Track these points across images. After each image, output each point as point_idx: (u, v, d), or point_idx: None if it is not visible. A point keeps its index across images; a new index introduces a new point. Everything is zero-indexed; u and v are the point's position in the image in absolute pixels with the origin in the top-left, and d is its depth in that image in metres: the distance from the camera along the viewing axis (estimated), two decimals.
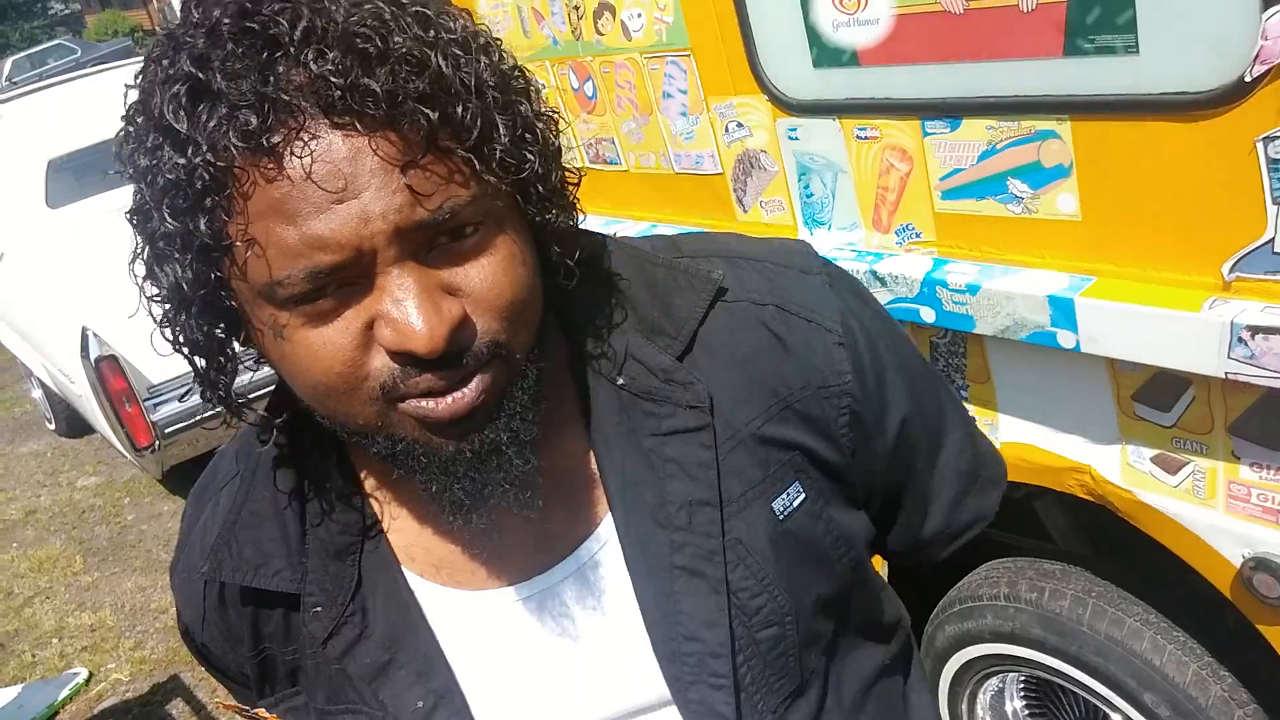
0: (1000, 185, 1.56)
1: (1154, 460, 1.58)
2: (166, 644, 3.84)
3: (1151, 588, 1.84)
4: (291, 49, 0.64)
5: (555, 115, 0.78)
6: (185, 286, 0.68)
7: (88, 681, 3.72)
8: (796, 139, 1.85)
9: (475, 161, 0.67)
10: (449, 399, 0.70)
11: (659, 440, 0.82)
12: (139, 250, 0.71)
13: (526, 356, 0.74)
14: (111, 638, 3.96)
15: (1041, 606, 1.88)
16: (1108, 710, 1.89)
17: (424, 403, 0.70)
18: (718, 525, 0.81)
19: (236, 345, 0.76)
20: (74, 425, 5.90)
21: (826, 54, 1.71)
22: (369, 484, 0.87)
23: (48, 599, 4.38)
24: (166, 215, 0.66)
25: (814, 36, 1.70)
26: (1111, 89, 1.37)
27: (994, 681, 2.12)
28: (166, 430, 4.38)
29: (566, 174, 0.78)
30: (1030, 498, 2.01)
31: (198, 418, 4.43)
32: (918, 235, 1.73)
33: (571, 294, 0.82)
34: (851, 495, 0.89)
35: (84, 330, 4.25)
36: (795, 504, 0.84)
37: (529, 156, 0.72)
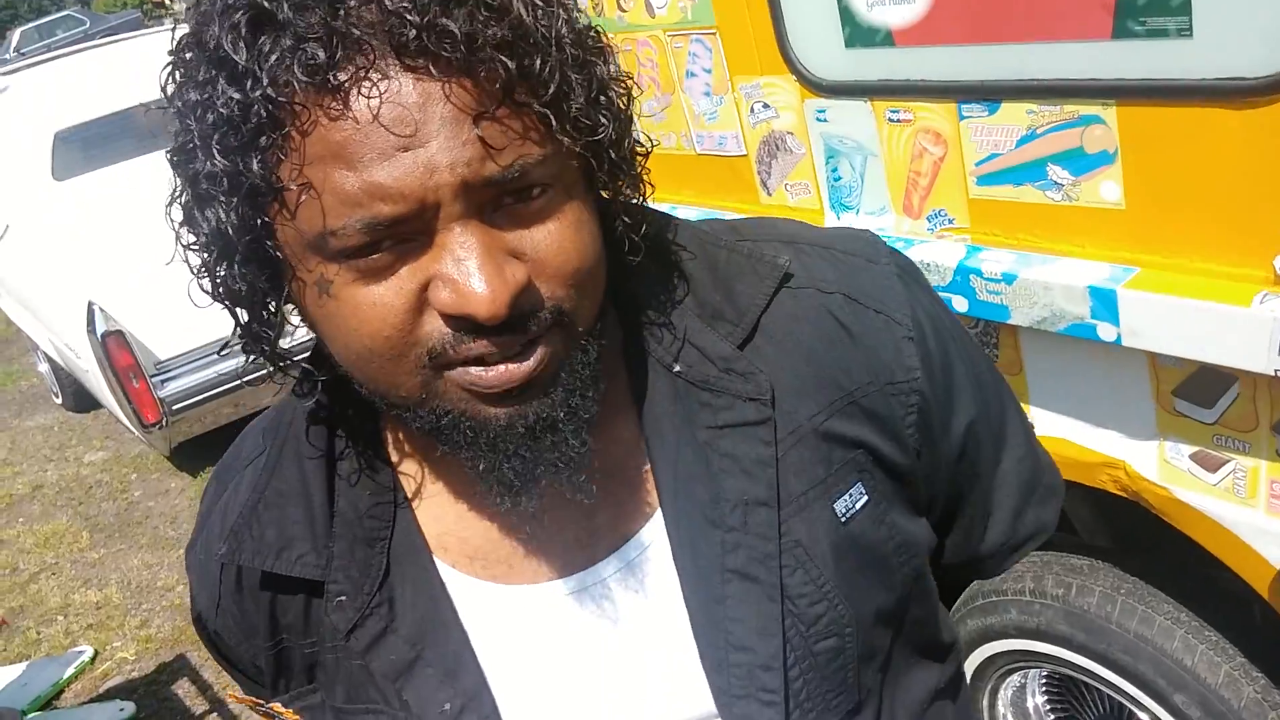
0: (1040, 171, 1.51)
1: (1193, 458, 1.53)
2: (173, 622, 3.82)
3: (1180, 584, 1.79)
4: None
5: (629, 80, 0.73)
6: (230, 231, 0.64)
7: (93, 660, 3.71)
8: (825, 121, 1.79)
9: (551, 119, 0.63)
10: (503, 367, 0.66)
11: (715, 433, 0.77)
12: (177, 193, 0.67)
13: (589, 330, 0.70)
14: (117, 615, 3.95)
15: (1068, 602, 1.84)
16: (1134, 709, 1.85)
17: (475, 370, 0.66)
18: (774, 527, 0.77)
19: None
20: (81, 400, 5.88)
21: (859, 33, 1.66)
22: (404, 464, 0.83)
23: (53, 575, 4.36)
24: (215, 153, 0.62)
25: (846, 15, 1.64)
26: (1161, 73, 1.31)
27: (1015, 678, 2.08)
28: (174, 407, 4.36)
29: (637, 146, 0.74)
30: None
31: (206, 394, 4.41)
32: (950, 221, 1.68)
33: (629, 273, 0.77)
34: (914, 500, 0.84)
35: (90, 305, 4.22)
36: (858, 506, 0.79)
37: (603, 120, 0.68)
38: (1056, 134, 1.46)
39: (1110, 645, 1.79)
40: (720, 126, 2.00)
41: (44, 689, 3.52)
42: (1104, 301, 1.44)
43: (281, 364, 0.75)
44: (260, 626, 0.85)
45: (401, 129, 0.60)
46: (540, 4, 0.64)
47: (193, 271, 0.70)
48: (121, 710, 3.32)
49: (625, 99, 0.72)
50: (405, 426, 0.77)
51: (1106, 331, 1.46)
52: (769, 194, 1.98)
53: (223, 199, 0.64)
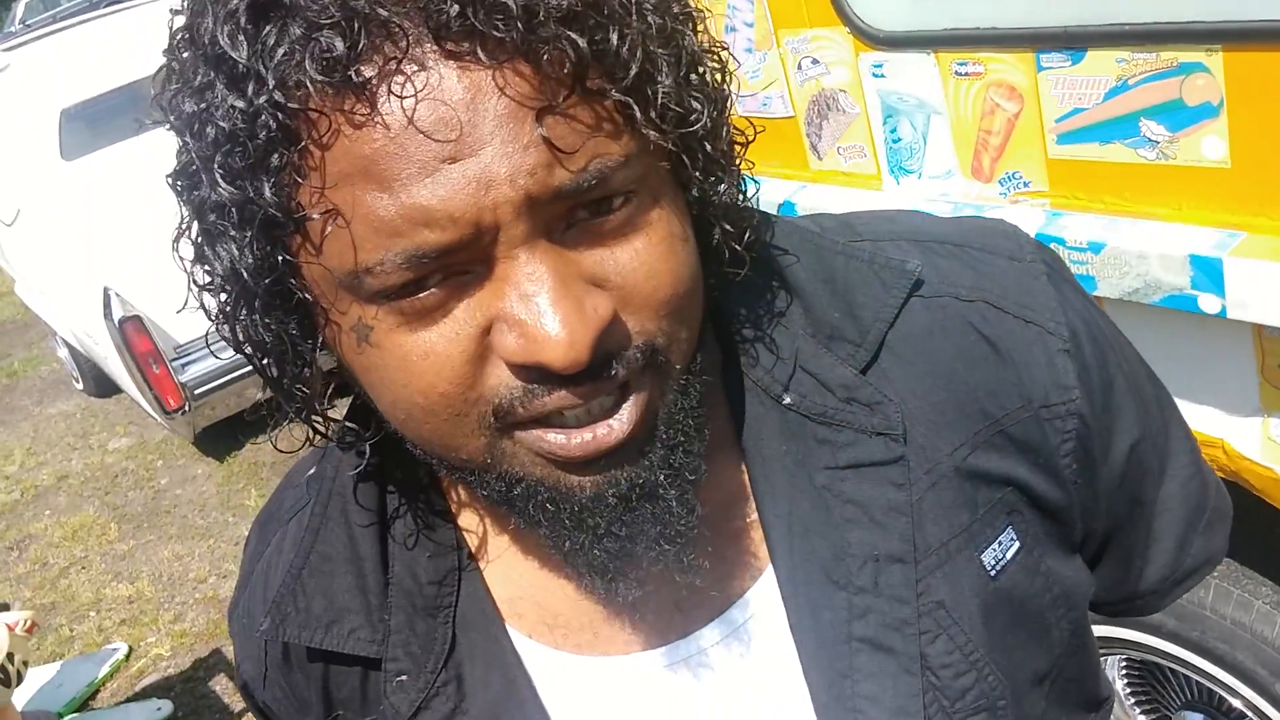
0: (1131, 127, 1.36)
1: None
2: (207, 616, 3.76)
3: (1278, 565, 1.67)
4: None
5: (725, 51, 0.60)
6: (245, 273, 0.53)
7: (128, 657, 3.65)
8: (882, 76, 1.64)
9: (633, 108, 0.51)
10: (589, 434, 0.54)
11: (836, 475, 0.65)
12: (184, 225, 0.56)
13: (687, 367, 0.59)
14: (150, 610, 3.89)
15: None
16: (1225, 695, 1.74)
17: (553, 436, 0.54)
18: (911, 586, 0.64)
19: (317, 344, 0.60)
20: (102, 384, 5.81)
21: None
22: (467, 519, 0.72)
23: (84, 569, 4.31)
24: (219, 178, 0.51)
25: None
26: (1275, 13, 1.16)
27: None
28: (197, 391, 4.27)
29: (735, 132, 0.61)
30: None
31: (229, 377, 4.32)
32: (1026, 185, 1.54)
33: (729, 286, 0.65)
34: (1069, 539, 0.72)
35: (106, 290, 4.12)
36: (1009, 555, 0.67)
37: (696, 105, 0.55)
38: (1151, 85, 1.31)
39: (1205, 633, 1.67)
40: (764, 86, 1.85)
41: (79, 690, 3.47)
42: (1207, 271, 1.31)
43: (321, 430, 0.64)
44: (313, 702, 0.74)
45: (446, 134, 0.48)
46: None
47: (209, 317, 0.58)
48: (159, 710, 3.27)
49: (721, 74, 0.59)
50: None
51: (1209, 303, 1.33)
52: (819, 159, 1.84)
53: (234, 233, 0.52)
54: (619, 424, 0.54)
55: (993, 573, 0.66)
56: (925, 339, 0.67)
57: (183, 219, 0.56)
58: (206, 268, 0.56)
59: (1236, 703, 1.72)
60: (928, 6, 1.52)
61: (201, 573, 4.04)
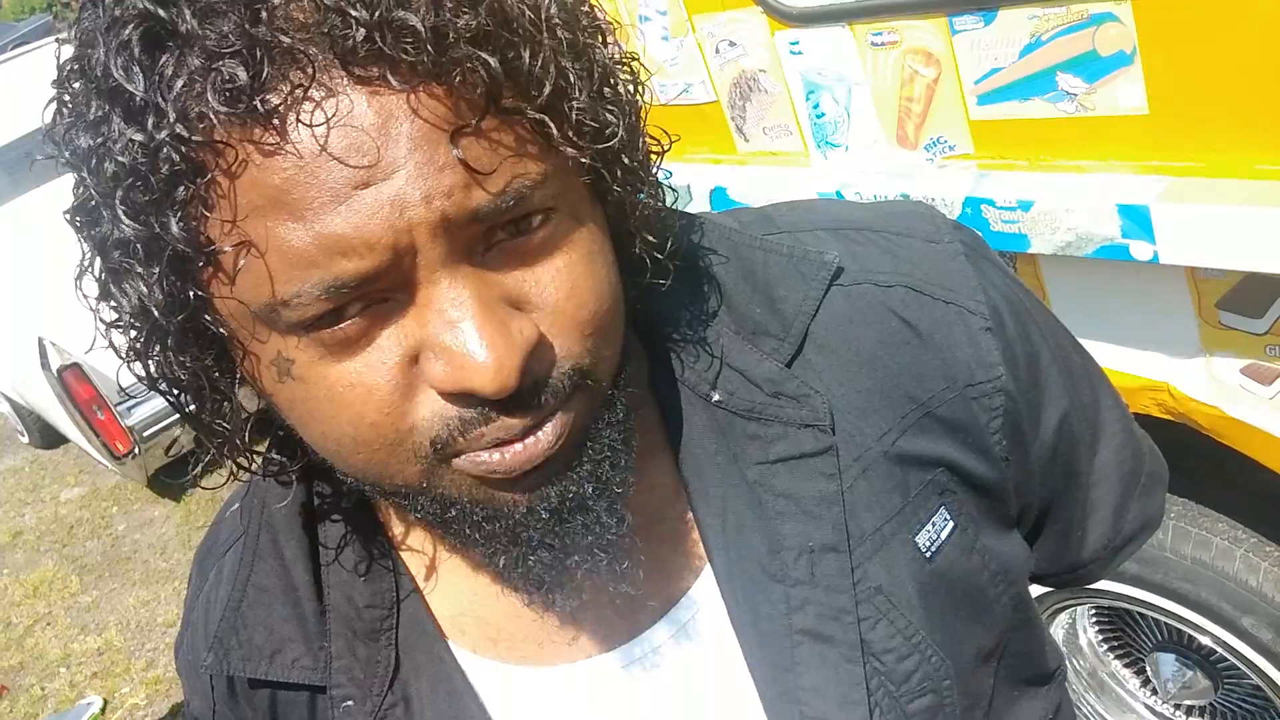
0: (1048, 82, 1.36)
1: (1244, 371, 1.42)
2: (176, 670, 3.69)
3: (1233, 501, 1.69)
4: None
5: (636, 62, 0.59)
6: (155, 310, 0.51)
7: (103, 710, 3.57)
8: (800, 53, 1.63)
9: (549, 125, 0.50)
10: (519, 446, 0.53)
11: (767, 470, 0.65)
12: (87, 263, 0.54)
13: (613, 381, 0.58)
14: (121, 659, 3.80)
15: None
16: (1194, 634, 1.76)
17: (485, 455, 0.53)
18: (847, 575, 0.64)
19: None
20: (48, 436, 5.67)
21: None
22: (402, 540, 0.71)
23: (49, 625, 4.20)
24: (122, 214, 0.48)
25: None
26: None
27: (1064, 617, 1.99)
28: (145, 433, 4.17)
29: (652, 141, 0.61)
30: None
31: (177, 415, 4.22)
32: (951, 148, 1.54)
33: (650, 290, 0.64)
34: (1004, 515, 0.72)
35: (40, 340, 4.01)
36: (943, 536, 0.67)
37: (611, 118, 0.55)
38: (1065, 38, 1.32)
39: (1167, 574, 1.69)
40: (684, 73, 1.84)
41: None
42: (1136, 219, 1.32)
43: (246, 465, 0.62)
44: None
45: (359, 160, 0.46)
46: None
47: (119, 355, 0.56)
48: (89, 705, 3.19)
49: (634, 86, 0.58)
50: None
51: (1141, 250, 1.34)
52: (746, 140, 1.83)
53: (141, 270, 0.50)
54: (546, 437, 0.54)
55: (928, 554, 0.66)
56: (847, 328, 0.67)
57: (84, 255, 0.53)
58: (113, 304, 0.54)
59: (1205, 640, 1.74)
60: None
61: (170, 616, 3.95)
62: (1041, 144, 1.43)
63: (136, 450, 4.14)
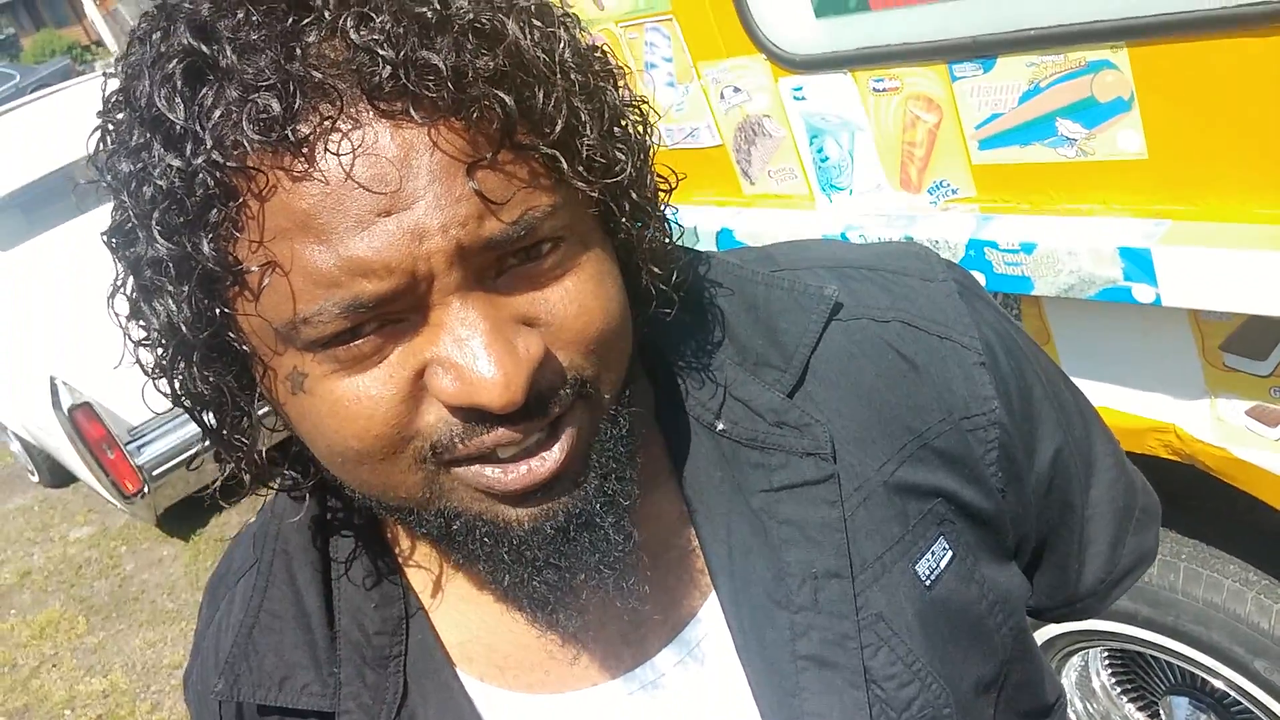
0: (1048, 128, 1.38)
1: (1250, 413, 1.42)
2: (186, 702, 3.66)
3: (1243, 542, 1.68)
4: (326, 13, 0.50)
5: (646, 105, 0.63)
6: (183, 327, 0.55)
7: None
8: (803, 99, 1.66)
9: (560, 161, 0.54)
10: (525, 466, 0.56)
11: (771, 497, 0.67)
12: (120, 282, 0.57)
13: (617, 399, 0.61)
14: (126, 702, 3.78)
15: None
16: (1207, 677, 1.74)
17: (490, 471, 0.56)
18: (850, 601, 0.66)
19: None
20: (58, 475, 5.67)
21: (829, 1, 1.52)
22: (412, 565, 0.72)
23: (54, 667, 4.18)
24: (157, 234, 0.52)
25: None
26: (1176, 6, 1.19)
27: (1076, 659, 1.97)
28: (155, 472, 4.17)
29: (660, 182, 0.64)
30: None
31: (186, 454, 4.23)
32: (954, 192, 1.55)
33: (656, 321, 0.66)
34: (1002, 546, 0.74)
35: (52, 380, 4.03)
36: (943, 564, 0.69)
37: (620, 156, 0.58)
38: (1063, 85, 1.33)
39: (1179, 617, 1.68)
40: (690, 117, 1.86)
41: None
42: (1138, 262, 1.32)
43: (262, 476, 0.64)
44: None
45: (381, 188, 0.50)
46: (539, 24, 0.54)
47: (146, 372, 0.59)
48: None
49: (643, 127, 0.62)
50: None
51: (1143, 293, 1.34)
52: (752, 183, 1.85)
53: (171, 288, 0.53)
54: (552, 457, 0.56)
55: (928, 583, 0.68)
56: (847, 361, 0.69)
57: (118, 275, 0.57)
58: (142, 323, 0.57)
59: (1219, 683, 1.72)
60: (839, 27, 1.53)
61: (176, 658, 3.94)
62: (1043, 188, 1.44)
63: (146, 489, 4.14)
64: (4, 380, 4.91)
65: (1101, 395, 1.57)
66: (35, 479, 5.98)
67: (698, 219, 1.90)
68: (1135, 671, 1.96)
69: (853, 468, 0.67)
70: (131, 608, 4.41)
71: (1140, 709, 2.00)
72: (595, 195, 0.57)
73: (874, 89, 1.55)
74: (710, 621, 0.69)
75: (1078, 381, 1.58)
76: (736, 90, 1.74)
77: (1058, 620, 0.85)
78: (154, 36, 0.52)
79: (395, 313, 0.53)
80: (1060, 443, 0.75)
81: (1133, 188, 1.35)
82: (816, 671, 0.66)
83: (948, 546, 0.69)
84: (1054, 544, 0.79)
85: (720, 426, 0.68)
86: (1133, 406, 1.54)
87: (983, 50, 1.38)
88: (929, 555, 0.68)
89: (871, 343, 0.70)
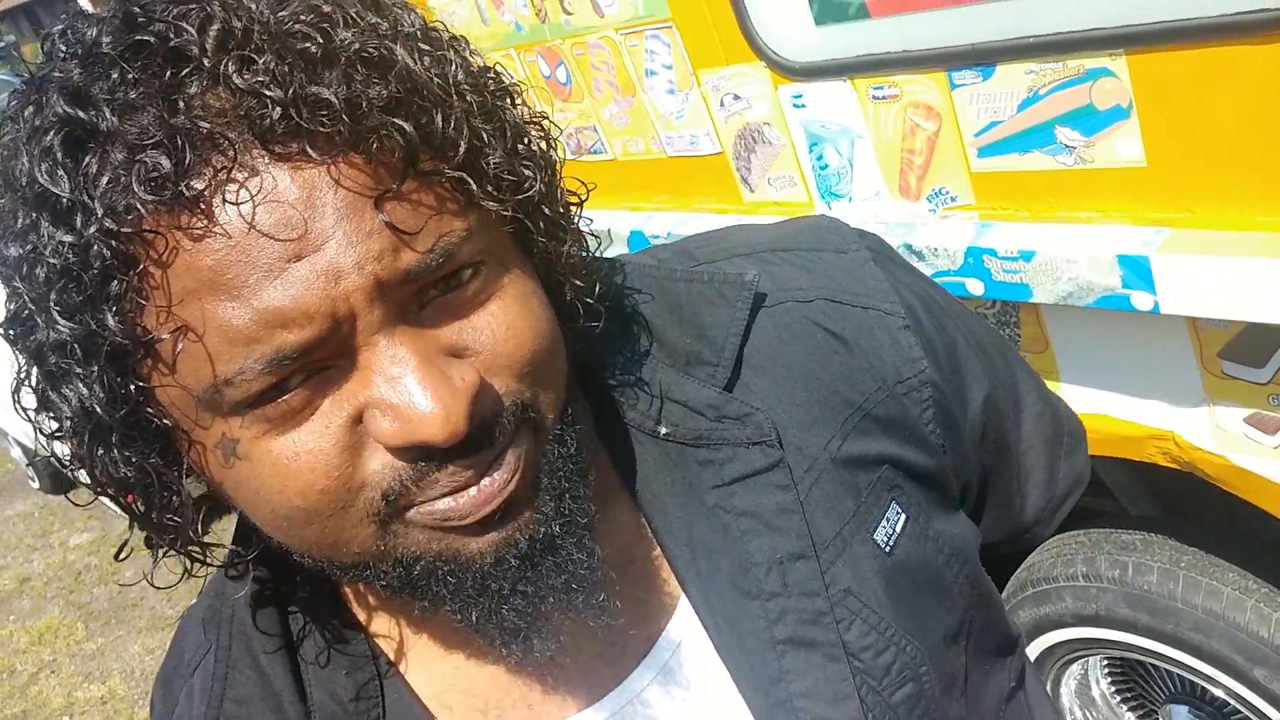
0: (1047, 135, 1.38)
1: (1248, 421, 1.42)
2: None
3: (1243, 549, 1.68)
4: (205, 60, 0.48)
5: (546, 120, 0.63)
6: (97, 409, 0.52)
7: None
8: (803, 106, 1.66)
9: (469, 183, 0.53)
10: (474, 490, 0.54)
11: (724, 492, 0.68)
12: (23, 375, 0.54)
13: (560, 418, 0.60)
14: (124, 709, 3.78)
15: (1127, 583, 1.73)
16: (1207, 686, 1.74)
17: (443, 502, 0.54)
18: (818, 578, 0.67)
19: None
20: (59, 481, 5.68)
21: (829, 8, 1.53)
22: (376, 624, 0.70)
23: (53, 673, 4.18)
24: (57, 316, 0.49)
25: None
26: (1174, 13, 1.19)
27: (1076, 668, 1.97)
28: None
29: (569, 195, 0.64)
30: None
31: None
32: (953, 199, 1.56)
33: (582, 336, 0.66)
34: (949, 498, 0.76)
35: None
36: (898, 529, 0.70)
37: (527, 172, 0.58)
38: (1062, 93, 1.34)
39: (1179, 625, 1.67)
40: (690, 125, 1.86)
41: None
42: (1136, 269, 1.33)
43: (201, 557, 0.62)
44: None
45: (288, 233, 0.48)
46: (427, 49, 0.53)
47: (60, 464, 0.57)
48: None
49: (546, 141, 0.61)
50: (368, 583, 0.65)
51: (1142, 300, 1.34)
52: (751, 190, 1.85)
53: (80, 370, 0.51)
54: (501, 474, 0.55)
55: (887, 549, 0.69)
56: (777, 346, 0.70)
57: (20, 367, 0.54)
58: (52, 414, 0.54)
59: (1218, 692, 1.72)
60: (838, 35, 1.54)
61: None
62: (1042, 195, 1.44)
63: None
64: (4, 386, 4.91)
65: (1100, 403, 1.57)
66: (35, 485, 5.98)
67: (697, 227, 1.91)
68: (1134, 680, 1.95)
69: (800, 450, 0.68)
70: (131, 614, 4.41)
71: (1140, 718, 1.99)
72: (508, 214, 0.56)
73: (873, 96, 1.55)
74: (685, 625, 0.69)
75: (1076, 388, 1.59)
76: (736, 98, 1.75)
77: (1010, 551, 0.88)
78: (26, 111, 0.50)
79: (321, 360, 0.51)
80: (989, 388, 0.78)
81: (1131, 195, 1.35)
82: (796, 652, 0.66)
83: (900, 510, 0.70)
84: (995, 483, 0.82)
85: (663, 431, 0.68)
86: (1131, 414, 1.55)
87: (982, 58, 1.39)
88: (884, 522, 0.69)
89: (799, 324, 0.71)
